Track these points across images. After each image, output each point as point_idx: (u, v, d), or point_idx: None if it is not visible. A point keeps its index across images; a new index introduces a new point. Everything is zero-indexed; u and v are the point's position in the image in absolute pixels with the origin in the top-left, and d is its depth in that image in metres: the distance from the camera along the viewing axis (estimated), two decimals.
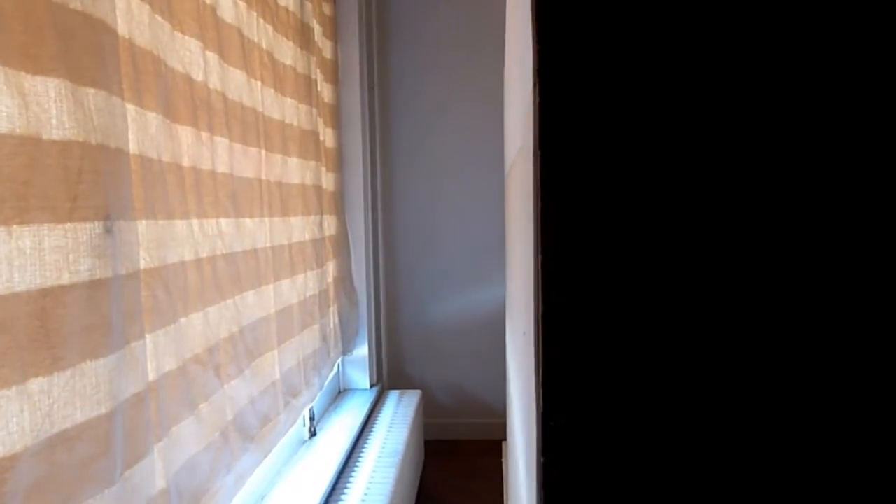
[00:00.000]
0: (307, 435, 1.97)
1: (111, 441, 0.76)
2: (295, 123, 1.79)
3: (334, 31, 2.39)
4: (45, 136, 0.67)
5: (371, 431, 2.16)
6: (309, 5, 1.95)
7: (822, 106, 0.51)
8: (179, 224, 1.07)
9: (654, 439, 0.54)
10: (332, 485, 1.70)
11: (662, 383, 0.53)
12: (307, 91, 1.91)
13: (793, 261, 0.52)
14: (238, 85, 1.36)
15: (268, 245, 1.52)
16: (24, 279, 0.65)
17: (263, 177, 1.51)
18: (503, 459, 2.10)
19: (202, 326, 1.14)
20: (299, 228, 1.81)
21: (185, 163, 1.10)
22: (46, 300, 0.67)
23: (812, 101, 0.51)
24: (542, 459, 0.55)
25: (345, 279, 2.40)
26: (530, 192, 0.60)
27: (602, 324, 0.53)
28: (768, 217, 0.52)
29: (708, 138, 0.52)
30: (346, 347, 2.44)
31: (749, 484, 0.53)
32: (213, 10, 1.23)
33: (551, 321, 0.53)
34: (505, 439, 2.12)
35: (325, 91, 2.25)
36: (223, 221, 1.25)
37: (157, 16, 1.00)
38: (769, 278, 0.52)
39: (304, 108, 1.88)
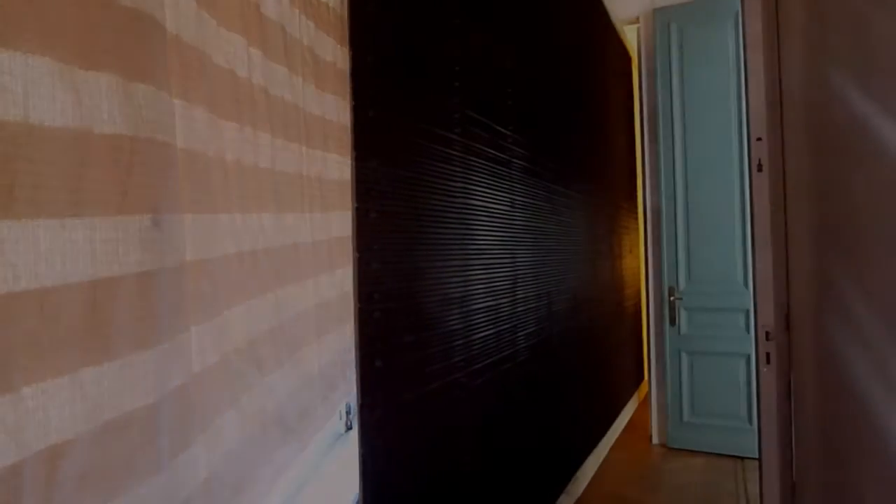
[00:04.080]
0: (343, 429, 1.98)
1: (158, 430, 0.77)
2: (335, 120, 1.80)
3: None
4: (96, 131, 0.68)
5: None
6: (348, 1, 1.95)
7: None
8: (223, 218, 1.08)
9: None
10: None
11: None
12: (346, 87, 1.92)
13: None
14: (280, 81, 1.37)
15: (308, 240, 1.53)
16: (77, 271, 0.66)
17: (304, 172, 1.52)
18: None
19: (244, 319, 1.15)
20: (338, 224, 1.81)
21: (229, 157, 1.11)
22: (98, 291, 0.68)
23: None
24: (362, 451, 0.60)
25: None
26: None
27: (387, 321, 0.58)
28: None
29: None
30: None
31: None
32: (257, 6, 1.24)
33: (362, 318, 0.59)
34: None
35: None
36: (265, 216, 1.27)
37: (202, 12, 1.01)
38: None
39: (343, 104, 1.88)
